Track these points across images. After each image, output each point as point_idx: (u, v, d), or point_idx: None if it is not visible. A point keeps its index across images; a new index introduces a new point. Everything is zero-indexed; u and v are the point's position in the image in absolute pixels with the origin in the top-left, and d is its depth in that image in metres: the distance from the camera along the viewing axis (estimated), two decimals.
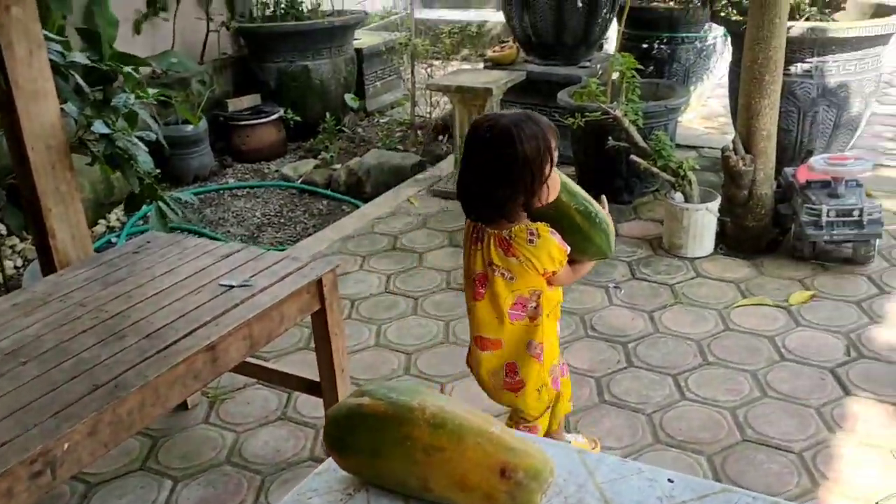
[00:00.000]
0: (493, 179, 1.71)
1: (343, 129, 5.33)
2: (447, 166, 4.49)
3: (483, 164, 1.72)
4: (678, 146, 4.49)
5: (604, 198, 1.96)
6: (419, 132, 5.15)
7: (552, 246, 1.79)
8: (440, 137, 5.12)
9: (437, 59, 5.47)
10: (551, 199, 1.75)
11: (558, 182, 1.76)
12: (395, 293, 3.25)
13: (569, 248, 1.82)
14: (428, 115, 5.23)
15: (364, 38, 5.97)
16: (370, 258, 3.55)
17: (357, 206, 4.26)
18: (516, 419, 2.03)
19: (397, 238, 3.73)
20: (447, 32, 6.22)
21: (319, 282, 2.10)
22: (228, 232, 4.16)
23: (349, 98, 5.37)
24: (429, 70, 5.24)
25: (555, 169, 1.74)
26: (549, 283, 1.88)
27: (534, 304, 1.88)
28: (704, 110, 5.28)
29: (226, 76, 5.34)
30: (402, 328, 2.98)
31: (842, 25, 3.63)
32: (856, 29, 3.59)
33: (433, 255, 3.55)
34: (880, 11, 3.90)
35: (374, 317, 3.07)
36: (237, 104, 5.14)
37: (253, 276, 2.10)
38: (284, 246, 3.89)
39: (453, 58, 6.38)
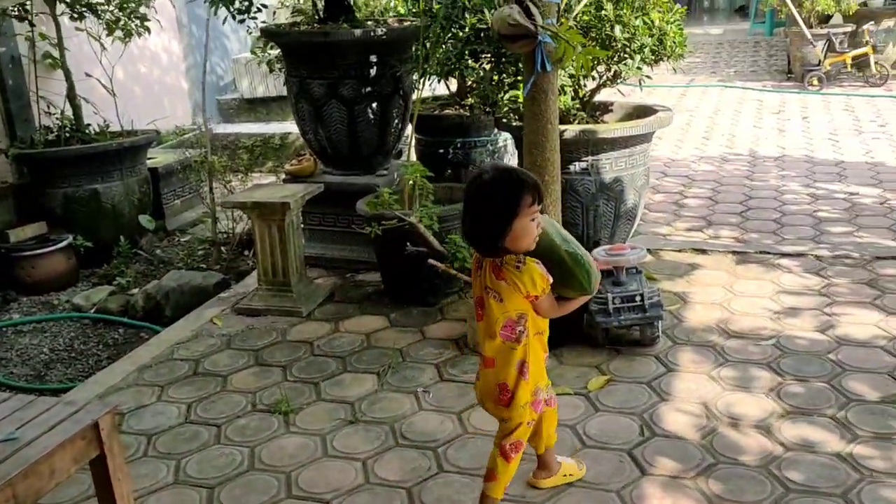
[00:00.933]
0: (475, 223, 2.17)
1: (140, 251, 5.12)
2: (252, 282, 4.39)
3: (468, 210, 2.18)
4: None
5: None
6: (223, 249, 5.03)
7: (535, 272, 2.16)
8: (245, 252, 5.03)
9: (239, 172, 5.42)
10: (528, 246, 2.15)
11: (529, 234, 2.13)
12: (196, 423, 3.08)
13: (551, 278, 2.19)
14: (231, 231, 5.14)
15: (160, 157, 5.84)
16: (169, 387, 3.36)
17: (156, 332, 4.06)
18: (505, 433, 2.32)
19: (199, 362, 3.57)
20: (248, 146, 6.21)
21: (96, 426, 1.96)
22: (11, 374, 3.82)
23: (145, 219, 5.19)
24: (228, 186, 5.17)
25: (544, 218, 2.19)
26: (535, 309, 2.23)
27: (521, 328, 2.22)
28: None
29: (6, 206, 5.01)
30: (203, 460, 2.82)
31: (609, 127, 3.95)
32: (621, 129, 3.91)
33: (238, 377, 3.41)
34: (641, 112, 4.29)
35: (173, 451, 2.88)
36: (20, 234, 4.83)
37: (20, 427, 1.92)
38: (75, 383, 3.62)
39: (258, 170, 6.36)
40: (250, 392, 3.28)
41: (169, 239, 5.59)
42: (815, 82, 9.15)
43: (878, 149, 6.62)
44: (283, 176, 4.69)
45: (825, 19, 9.71)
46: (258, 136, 6.82)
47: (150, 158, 5.60)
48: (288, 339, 3.74)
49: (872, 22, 9.46)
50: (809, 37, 9.23)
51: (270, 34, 4.40)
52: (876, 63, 9.13)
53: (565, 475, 2.56)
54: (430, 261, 3.51)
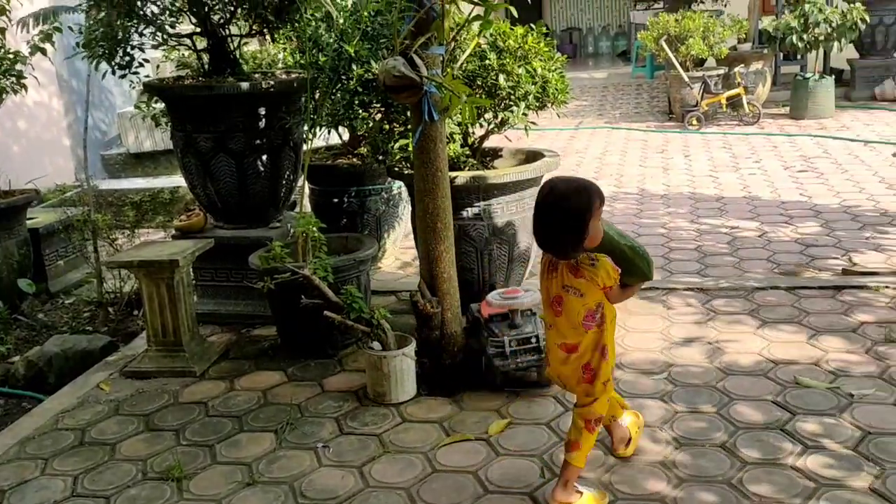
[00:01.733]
0: (559, 231, 2.46)
1: (20, 317, 4.87)
2: (142, 343, 4.22)
3: (547, 222, 2.48)
4: (377, 293, 4.65)
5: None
6: (110, 310, 4.84)
7: (608, 266, 2.50)
8: (135, 312, 4.85)
9: (125, 230, 5.25)
10: (595, 244, 2.47)
11: (601, 232, 2.47)
12: (83, 495, 2.92)
13: (620, 270, 2.51)
14: (119, 291, 4.95)
15: (40, 217, 5.60)
16: (54, 459, 3.18)
17: (40, 401, 3.84)
18: (587, 408, 2.61)
19: (86, 431, 3.39)
20: (136, 202, 6.03)
21: None
22: None
23: (24, 283, 4.95)
24: (114, 244, 5.00)
25: (602, 221, 2.47)
26: (608, 297, 2.55)
27: (599, 315, 2.56)
28: (402, 254, 5.54)
29: None
30: None
31: (499, 172, 4.03)
32: (511, 174, 4.00)
33: (127, 445, 3.26)
34: (530, 157, 4.40)
35: None
36: None
37: None
38: None
39: (147, 226, 6.18)
40: (141, 459, 3.13)
41: (52, 302, 5.33)
42: (695, 122, 9.62)
43: (755, 184, 6.99)
44: (172, 232, 4.56)
45: (700, 63, 10.26)
46: (146, 191, 6.64)
47: (30, 219, 5.36)
48: (180, 402, 3.60)
49: (743, 65, 10.05)
50: (687, 80, 9.72)
51: (154, 89, 4.32)
52: (748, 103, 9.68)
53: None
54: (326, 313, 3.46)
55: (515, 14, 3.60)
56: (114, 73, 4.19)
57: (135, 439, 3.30)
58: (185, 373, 3.83)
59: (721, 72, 9.99)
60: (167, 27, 4.12)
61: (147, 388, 3.76)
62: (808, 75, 9.92)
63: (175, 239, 4.31)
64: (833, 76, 10.17)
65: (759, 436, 2.97)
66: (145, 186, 6.90)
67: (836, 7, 9.81)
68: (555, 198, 2.46)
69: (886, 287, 4.27)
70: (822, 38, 9.42)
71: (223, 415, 3.45)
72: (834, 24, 9.33)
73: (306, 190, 5.15)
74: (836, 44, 9.54)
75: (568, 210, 2.42)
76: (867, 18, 9.48)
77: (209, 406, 3.54)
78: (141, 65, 4.29)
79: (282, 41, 4.61)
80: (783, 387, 3.32)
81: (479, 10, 3.37)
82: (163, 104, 4.69)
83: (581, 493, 2.63)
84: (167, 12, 4.02)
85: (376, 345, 3.49)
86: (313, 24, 4.13)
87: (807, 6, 9.47)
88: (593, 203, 2.43)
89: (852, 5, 9.53)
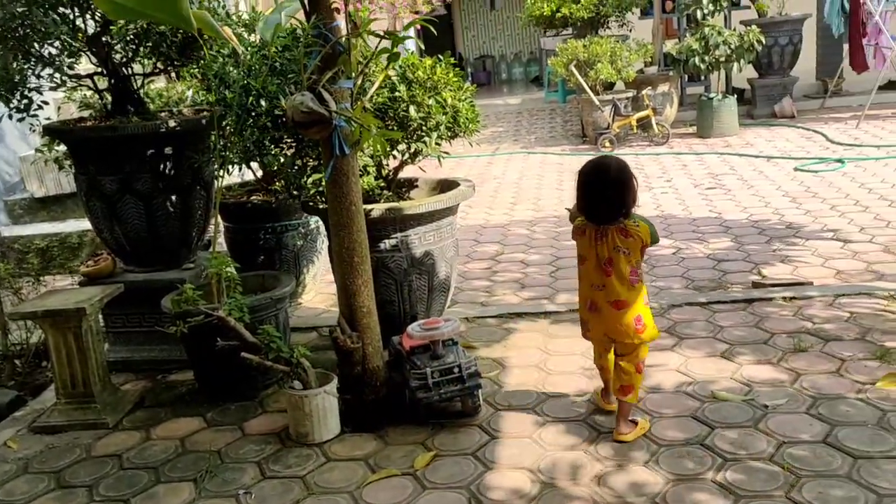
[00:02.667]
0: (615, 197, 2.98)
1: None
2: (51, 396, 4.04)
3: (607, 192, 2.98)
4: (298, 329, 4.58)
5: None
6: (17, 362, 4.61)
7: (646, 227, 3.04)
8: (44, 364, 4.64)
9: (30, 277, 5.03)
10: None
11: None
12: None
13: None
14: (26, 342, 4.73)
15: None
16: None
17: None
18: (637, 354, 3.14)
19: None
20: (42, 248, 5.80)
21: None
22: None
23: None
24: (19, 294, 4.78)
25: None
26: (642, 253, 3.07)
27: (640, 270, 3.08)
28: (323, 289, 5.47)
29: None
30: None
31: (414, 203, 4.02)
32: (426, 205, 4.00)
33: None
34: (446, 186, 4.42)
35: None
36: None
37: None
38: None
39: (55, 272, 5.95)
40: None
41: None
42: (608, 144, 9.85)
43: (667, 202, 7.18)
44: (79, 278, 4.40)
45: (609, 86, 10.52)
46: (53, 236, 6.39)
47: None
48: (93, 455, 3.45)
49: (650, 87, 10.36)
50: (597, 103, 9.96)
51: (54, 132, 4.17)
52: (657, 124, 9.97)
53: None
54: (244, 354, 3.38)
55: (422, 46, 3.62)
56: (10, 117, 4.03)
57: (45, 498, 3.15)
58: (97, 425, 3.67)
59: (630, 94, 10.27)
60: (66, 68, 3.99)
61: (57, 443, 3.60)
62: (711, 95, 10.29)
63: (82, 286, 4.15)
64: (735, 95, 10.58)
65: (680, 452, 3.02)
66: (52, 231, 6.64)
67: (734, 30, 10.23)
68: (611, 174, 2.98)
69: (793, 298, 4.42)
70: (722, 59, 9.79)
71: (139, 466, 3.32)
72: (733, 46, 9.72)
73: (220, 228, 5.05)
74: (735, 64, 9.93)
75: (624, 181, 2.97)
76: (763, 40, 9.91)
77: (124, 458, 3.40)
78: (40, 107, 4.14)
79: (188, 78, 4.52)
80: (701, 402, 3.38)
81: (386, 43, 3.38)
82: (65, 147, 4.54)
83: (636, 421, 3.19)
84: (66, 52, 3.90)
85: (297, 384, 3.42)
86: (220, 60, 4.07)
87: (706, 29, 9.84)
88: (632, 173, 3.01)
89: (749, 28, 9.95)
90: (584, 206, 3.06)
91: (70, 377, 3.71)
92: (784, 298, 4.43)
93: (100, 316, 3.89)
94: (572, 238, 3.22)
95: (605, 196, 3.00)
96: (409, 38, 3.40)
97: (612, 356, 3.26)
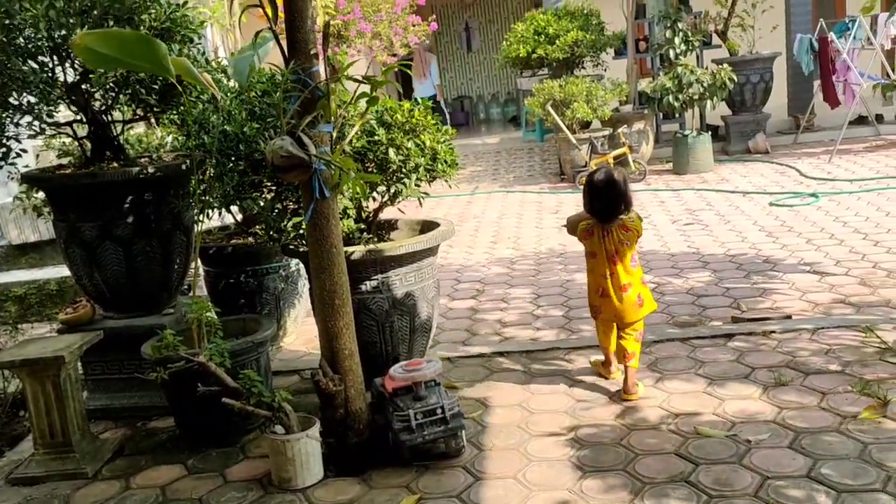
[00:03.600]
0: (618, 199, 3.76)
1: None
2: (29, 447, 3.98)
3: (611, 194, 3.76)
4: (279, 373, 4.55)
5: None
6: None
7: (640, 221, 3.83)
8: (21, 413, 4.58)
9: (7, 326, 4.99)
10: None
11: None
12: None
13: None
14: (3, 391, 4.67)
15: None
16: None
17: None
18: (637, 328, 3.89)
19: None
20: (21, 295, 5.76)
21: None
22: None
23: None
24: None
25: None
26: (637, 242, 3.83)
27: (637, 255, 3.86)
28: (305, 331, 5.44)
29: None
30: None
31: (395, 245, 4.04)
32: (407, 246, 4.02)
33: None
34: (426, 227, 4.44)
35: None
36: None
37: None
38: None
39: (34, 320, 5.89)
40: None
41: None
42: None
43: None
44: (57, 325, 4.36)
45: (586, 125, 10.67)
46: (31, 283, 6.34)
47: None
48: None
49: (626, 125, 10.51)
50: (574, 142, 10.08)
51: (32, 180, 4.17)
52: (634, 161, 10.09)
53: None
54: (225, 400, 3.35)
55: (401, 90, 3.67)
56: None
57: None
58: (76, 475, 3.62)
59: (606, 133, 10.40)
60: (45, 116, 4.00)
61: (36, 494, 3.54)
62: (686, 132, 10.45)
63: (61, 333, 4.12)
64: (710, 132, 10.74)
65: (665, 490, 3.01)
66: (30, 279, 6.59)
67: (707, 69, 10.43)
68: (616, 179, 3.75)
69: (773, 332, 4.46)
70: (696, 97, 9.96)
71: None
72: (705, 85, 9.90)
73: (201, 272, 5.03)
74: (709, 102, 10.10)
75: (624, 185, 3.76)
76: (735, 78, 10.10)
77: None
78: (18, 155, 4.14)
79: (167, 124, 4.54)
80: (685, 438, 3.39)
81: (365, 87, 3.43)
82: (44, 194, 4.53)
83: (638, 383, 3.87)
84: (45, 101, 3.91)
85: (279, 428, 3.40)
86: (199, 106, 4.09)
87: (679, 69, 10.02)
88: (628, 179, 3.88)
89: (721, 66, 10.15)
90: (597, 208, 3.81)
91: (48, 426, 3.66)
92: (764, 332, 4.46)
93: (78, 363, 3.85)
94: (580, 240, 3.92)
95: (612, 197, 3.76)
96: (388, 82, 3.45)
97: (614, 335, 3.96)
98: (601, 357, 4.20)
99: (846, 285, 5.30)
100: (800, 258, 6.05)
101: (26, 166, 4.34)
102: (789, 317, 4.76)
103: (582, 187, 3.97)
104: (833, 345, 4.21)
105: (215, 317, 3.63)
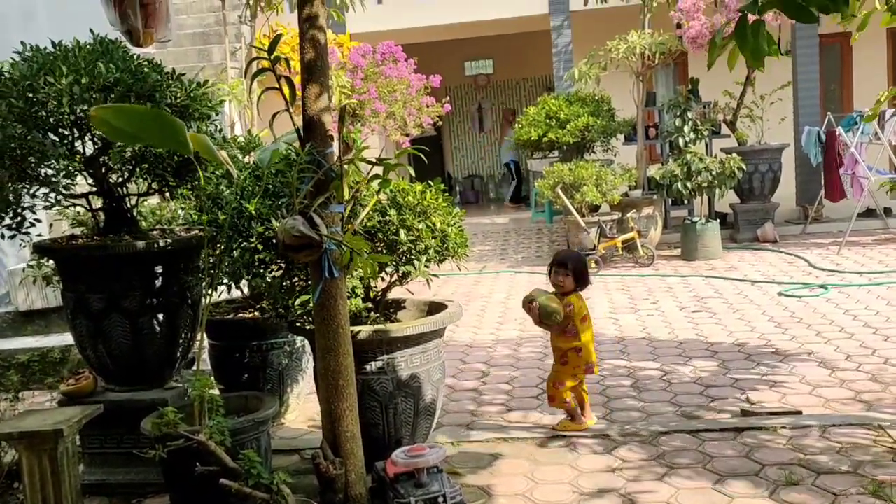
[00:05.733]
0: (586, 274, 4.66)
1: None
2: None
3: (579, 269, 4.59)
4: (280, 452, 4.48)
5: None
6: None
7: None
8: (16, 485, 4.48)
9: (8, 394, 4.93)
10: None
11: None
12: None
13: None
14: None
15: None
16: None
17: None
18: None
19: None
20: (24, 362, 5.72)
21: None
22: None
23: None
24: None
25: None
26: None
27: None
28: (307, 409, 5.38)
29: None
30: None
31: (402, 326, 4.02)
32: (414, 327, 4.00)
33: None
34: (433, 308, 4.43)
35: None
36: None
37: None
38: None
39: (35, 387, 5.84)
40: None
41: None
42: (593, 265, 9.93)
43: (653, 325, 7.20)
44: (59, 396, 4.31)
45: (595, 208, 10.73)
46: (35, 350, 6.31)
47: None
48: None
49: (635, 210, 10.58)
50: (583, 225, 10.14)
51: (44, 250, 4.20)
52: (642, 246, 10.12)
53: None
54: (223, 481, 3.29)
55: (413, 172, 3.72)
56: (2, 236, 4.06)
57: None
58: None
59: (615, 217, 10.46)
60: (62, 188, 4.05)
61: None
62: (695, 219, 10.50)
63: (61, 405, 4.08)
64: (718, 220, 10.79)
65: None
66: (35, 346, 6.56)
67: (716, 157, 10.55)
68: (581, 258, 4.77)
69: (783, 427, 4.38)
70: (704, 185, 10.06)
71: None
72: (714, 173, 10.00)
73: (205, 345, 5.01)
74: (717, 190, 10.19)
75: (582, 266, 4.67)
76: (743, 167, 10.21)
77: None
78: (32, 224, 4.18)
79: (181, 199, 4.59)
80: None
81: (378, 169, 3.47)
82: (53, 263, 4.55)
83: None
84: (62, 173, 3.96)
85: None
86: (214, 181, 4.14)
87: (688, 156, 10.15)
88: (587, 266, 4.85)
89: (729, 156, 10.27)
90: (587, 279, 4.64)
91: (42, 502, 3.58)
92: (774, 428, 4.38)
93: (76, 437, 3.79)
94: (583, 321, 4.60)
95: (577, 271, 4.59)
96: (401, 165, 3.49)
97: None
98: (566, 417, 4.67)
99: (857, 381, 5.23)
100: (810, 351, 5.98)
101: (39, 235, 4.37)
102: (799, 412, 4.68)
103: (573, 268, 4.60)
104: (844, 443, 4.12)
105: (218, 394, 3.59)
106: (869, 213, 11.50)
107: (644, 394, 5.31)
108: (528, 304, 4.61)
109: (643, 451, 4.21)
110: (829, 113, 11.60)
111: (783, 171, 11.56)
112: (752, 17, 3.15)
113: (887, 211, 11.57)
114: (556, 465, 4.10)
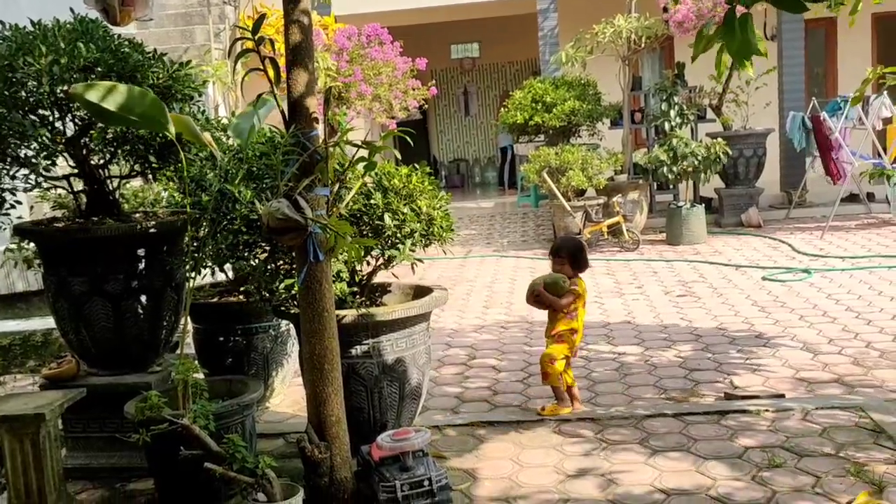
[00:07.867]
0: (584, 257, 4.74)
1: None
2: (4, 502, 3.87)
3: (578, 254, 4.68)
4: (265, 436, 4.47)
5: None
6: None
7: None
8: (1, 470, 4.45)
9: None
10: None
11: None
12: None
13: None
14: None
15: None
16: None
17: None
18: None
19: None
20: (4, 346, 5.67)
21: None
22: None
23: None
24: None
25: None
26: None
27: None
28: (292, 392, 5.36)
29: None
30: None
31: (387, 310, 4.01)
32: (399, 311, 3.99)
33: None
34: (419, 292, 4.41)
35: None
36: None
37: None
38: None
39: (16, 371, 5.79)
40: None
41: None
42: None
43: (638, 309, 7.22)
44: (40, 380, 4.28)
45: (581, 193, 10.74)
46: (16, 334, 6.27)
47: None
48: None
49: (620, 194, 10.58)
50: (569, 209, 10.14)
51: (25, 232, 4.14)
52: (628, 230, 10.14)
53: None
54: (207, 464, 3.27)
55: (398, 155, 3.69)
56: None
57: None
58: None
59: (601, 201, 10.47)
60: (42, 170, 3.99)
61: None
62: (680, 204, 10.52)
63: (43, 388, 4.04)
64: (703, 204, 10.82)
65: None
66: (15, 329, 6.52)
67: (701, 142, 10.57)
68: (578, 242, 4.87)
69: (766, 410, 4.40)
70: (690, 170, 10.08)
71: None
72: (700, 158, 10.02)
73: (189, 329, 4.97)
74: (703, 175, 10.21)
75: (581, 247, 4.80)
76: (729, 152, 10.24)
77: None
78: (13, 206, 4.12)
79: (164, 180, 4.54)
80: None
81: (364, 152, 3.44)
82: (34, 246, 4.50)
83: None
84: (43, 154, 3.90)
85: (261, 496, 3.30)
86: (197, 163, 4.10)
87: (674, 141, 10.16)
88: (584, 248, 4.87)
89: (715, 140, 10.28)
90: (585, 262, 4.67)
91: (24, 486, 3.55)
92: (757, 411, 4.41)
93: (59, 421, 3.76)
94: (575, 301, 4.60)
95: (576, 256, 4.66)
96: (387, 148, 3.46)
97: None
98: (554, 402, 4.69)
99: (839, 364, 5.27)
100: (793, 335, 6.02)
101: (20, 217, 4.32)
102: (782, 395, 4.72)
103: (567, 254, 4.68)
104: (826, 425, 4.15)
105: (202, 378, 3.57)
106: (852, 198, 11.57)
107: (629, 377, 5.33)
108: (532, 296, 4.67)
109: (628, 434, 4.23)
110: (813, 98, 11.64)
111: (768, 157, 11.61)
112: (740, 10, 3.12)
113: (870, 196, 11.64)
114: (541, 449, 4.11)
